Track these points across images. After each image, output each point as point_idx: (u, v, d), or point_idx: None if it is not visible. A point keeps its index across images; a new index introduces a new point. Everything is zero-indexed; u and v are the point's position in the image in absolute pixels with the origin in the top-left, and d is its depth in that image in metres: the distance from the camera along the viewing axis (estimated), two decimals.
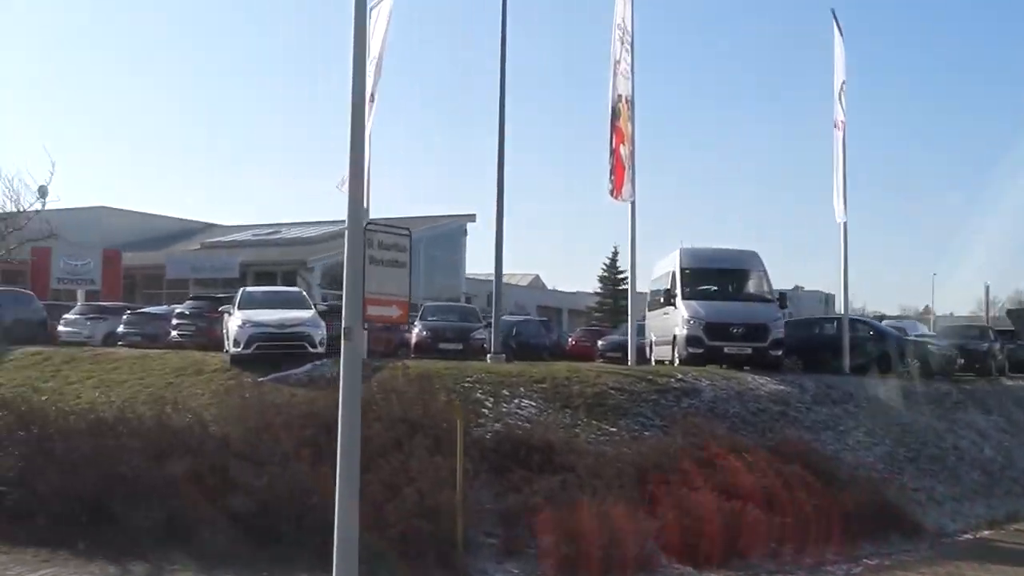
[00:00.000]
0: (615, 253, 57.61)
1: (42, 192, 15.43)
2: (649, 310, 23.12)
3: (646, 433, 14.98)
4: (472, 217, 48.82)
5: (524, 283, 66.75)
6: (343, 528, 8.29)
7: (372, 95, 18.35)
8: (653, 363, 21.23)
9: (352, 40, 8.52)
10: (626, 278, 56.27)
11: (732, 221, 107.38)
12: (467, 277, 50.60)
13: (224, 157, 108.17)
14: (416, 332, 22.08)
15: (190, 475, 12.25)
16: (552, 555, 11.58)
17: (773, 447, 14.65)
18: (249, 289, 20.80)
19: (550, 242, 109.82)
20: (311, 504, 11.50)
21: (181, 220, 54.09)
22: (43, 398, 15.25)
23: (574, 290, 68.00)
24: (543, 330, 32.09)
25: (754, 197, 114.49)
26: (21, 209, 15.49)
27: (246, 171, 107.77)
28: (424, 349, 21.39)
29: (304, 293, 21.27)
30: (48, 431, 13.27)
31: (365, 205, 19.00)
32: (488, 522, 12.24)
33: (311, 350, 17.52)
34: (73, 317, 25.51)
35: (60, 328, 24.98)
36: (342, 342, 8.21)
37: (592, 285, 62.97)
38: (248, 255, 42.47)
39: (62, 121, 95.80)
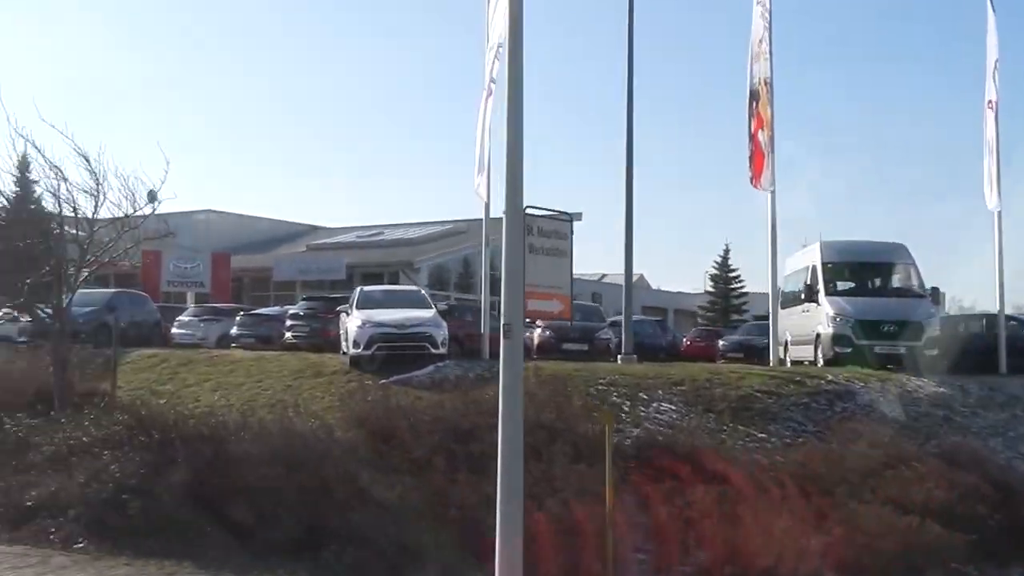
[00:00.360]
0: (727, 251, 56.18)
1: (151, 197, 14.99)
2: (783, 307, 21.78)
3: (799, 440, 13.81)
4: (579, 215, 47.78)
5: None
6: (505, 540, 7.43)
7: (492, 81, 17.47)
8: (789, 364, 19.92)
9: (508, 25, 7.70)
10: (738, 276, 55.55)
11: (832, 211, 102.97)
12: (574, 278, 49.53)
13: (326, 159, 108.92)
14: (538, 332, 21.18)
15: (317, 484, 11.56)
16: (710, 574, 10.54)
17: (942, 455, 13.30)
18: (367, 288, 20.12)
19: (653, 241, 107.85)
20: (449, 516, 10.70)
21: (285, 223, 54.18)
22: (161, 401, 14.74)
23: (676, 290, 66.67)
24: (659, 330, 31.10)
25: (854, 187, 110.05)
26: (136, 209, 15.06)
27: (349, 173, 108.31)
28: (547, 350, 20.45)
29: (423, 292, 20.53)
30: (169, 436, 12.72)
31: (482, 197, 18.49)
32: (637, 537, 11.24)
33: (433, 351, 16.76)
34: (186, 319, 25.31)
35: (174, 330, 24.78)
36: (501, 340, 7.31)
37: (693, 285, 61.58)
38: (354, 256, 42.19)
39: (175, 122, 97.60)
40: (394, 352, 16.49)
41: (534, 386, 13.98)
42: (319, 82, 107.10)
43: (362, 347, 16.54)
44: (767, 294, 21.86)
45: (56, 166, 14.92)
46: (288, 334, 21.80)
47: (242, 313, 24.84)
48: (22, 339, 20.72)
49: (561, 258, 7.73)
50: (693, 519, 11.20)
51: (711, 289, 56.48)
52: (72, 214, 15.39)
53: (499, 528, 7.43)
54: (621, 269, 22.32)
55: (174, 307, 30.55)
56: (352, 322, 17.12)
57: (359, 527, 10.75)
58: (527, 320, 24.37)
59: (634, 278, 69.45)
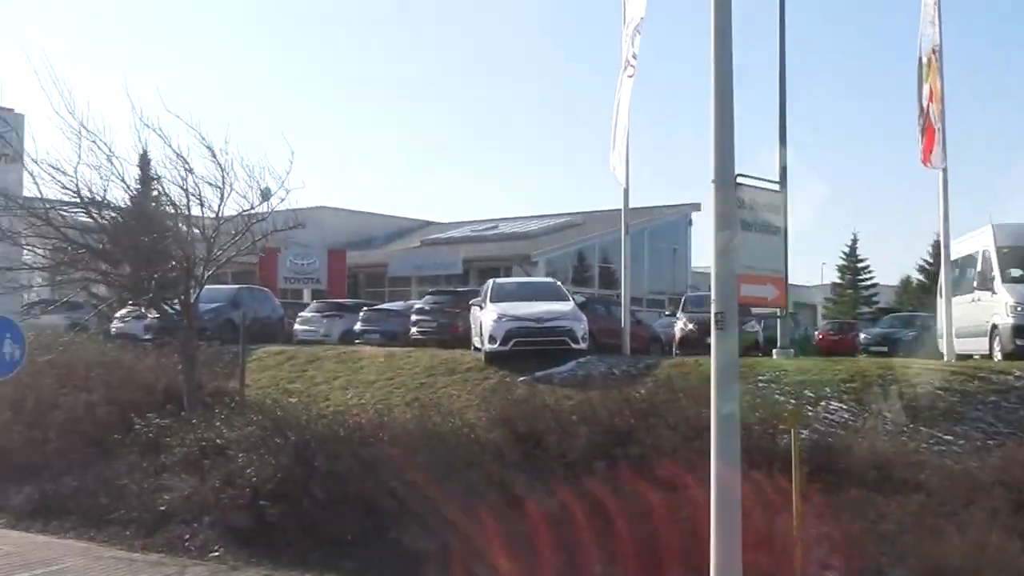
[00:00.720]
0: (854, 240, 53.76)
1: (265, 195, 14.52)
2: (943, 296, 19.98)
3: (990, 443, 12.32)
4: (697, 206, 46.28)
5: None
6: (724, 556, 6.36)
7: (633, 57, 16.46)
8: (953, 357, 18.23)
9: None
10: (867, 267, 53.24)
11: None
12: (694, 271, 48.14)
13: (437, 152, 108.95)
14: (680, 326, 19.95)
15: (466, 490, 10.65)
16: None
17: None
18: (500, 280, 19.22)
19: None
20: (616, 526, 9.65)
21: (398, 218, 53.97)
22: (292, 400, 14.05)
23: (795, 282, 64.47)
24: (792, 324, 29.45)
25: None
26: (263, 200, 14.58)
27: (462, 165, 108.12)
28: (689, 344, 19.13)
29: (559, 284, 19.49)
30: (305, 437, 11.96)
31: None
32: (824, 551, 10.02)
33: (573, 346, 15.75)
34: (309, 315, 24.79)
35: (296, 326, 24.29)
36: (712, 331, 6.21)
37: (809, 277, 59.56)
38: (469, 251, 41.56)
39: (289, 115, 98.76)
40: (532, 348, 15.52)
41: (695, 383, 12.89)
42: (426, 73, 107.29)
43: (498, 342, 15.61)
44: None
45: (182, 156, 14.42)
46: (414, 329, 21.02)
47: (365, 309, 24.15)
48: (147, 336, 20.40)
49: (775, 236, 6.58)
50: (888, 532, 9.94)
51: (838, 280, 54.15)
52: (199, 207, 14.87)
53: (714, 542, 6.38)
54: None
55: (290, 303, 30.22)
56: (487, 316, 16.19)
57: (522, 539, 9.80)
58: (665, 312, 23.25)
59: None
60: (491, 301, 16.77)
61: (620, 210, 18.40)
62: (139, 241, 14.87)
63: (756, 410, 12.49)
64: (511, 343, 15.59)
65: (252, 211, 15.13)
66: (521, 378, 14.69)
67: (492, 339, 15.69)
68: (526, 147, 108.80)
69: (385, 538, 10.46)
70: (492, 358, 15.71)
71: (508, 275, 35.27)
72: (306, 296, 36.52)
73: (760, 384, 13.69)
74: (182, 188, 14.64)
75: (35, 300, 23.43)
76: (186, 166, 14.48)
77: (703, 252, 64.83)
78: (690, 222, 46.92)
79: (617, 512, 9.67)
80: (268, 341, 20.85)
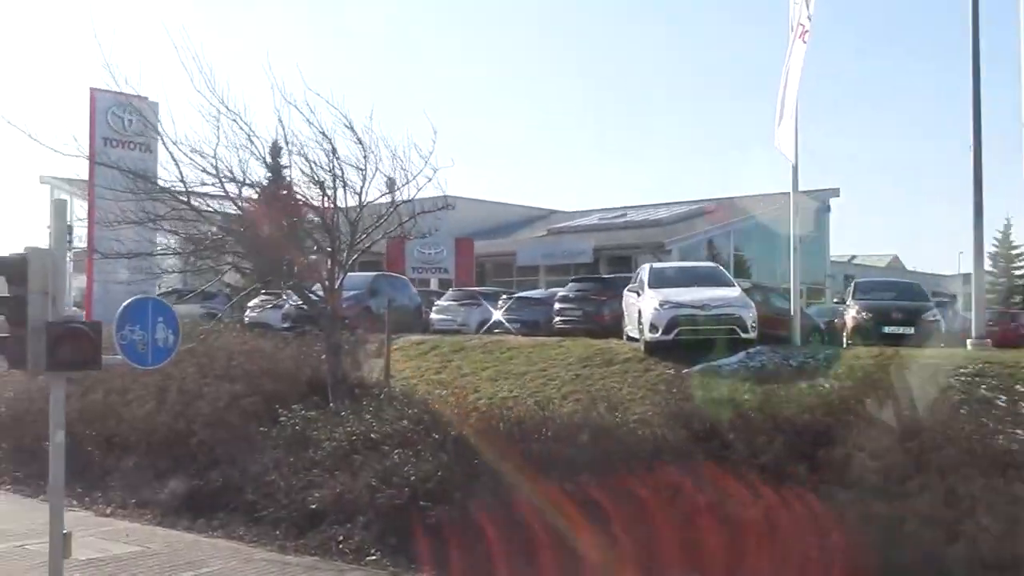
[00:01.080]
0: (1007, 225, 50.75)
1: (390, 186, 13.95)
2: None
3: None
4: (836, 191, 44.12)
5: (882, 264, 61.12)
6: None
7: (807, 19, 15.15)
8: None
9: None
10: (1023, 254, 50.10)
11: None
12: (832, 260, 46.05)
13: (562, 142, 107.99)
14: (852, 313, 18.35)
15: (651, 493, 9.59)
16: None
17: None
18: (657, 265, 17.92)
19: (908, 219, 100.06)
20: (829, 543, 8.45)
21: (523, 207, 53.15)
22: (443, 393, 13.14)
23: (932, 271, 61.59)
24: (950, 314, 27.53)
25: None
26: (409, 180, 13.88)
27: (586, 155, 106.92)
28: (863, 334, 17.45)
29: (722, 268, 18.14)
30: (463, 433, 11.07)
31: None
32: None
33: (742, 335, 14.40)
34: (445, 304, 23.94)
35: (432, 315, 23.46)
36: None
37: (949, 266, 56.92)
38: (599, 239, 40.39)
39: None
40: (698, 337, 14.26)
41: (896, 378, 11.56)
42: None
43: (660, 331, 14.36)
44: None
45: (326, 135, 13.71)
46: (557, 318, 19.93)
47: (505, 297, 23.18)
48: (285, 325, 19.81)
49: None
50: None
51: (990, 268, 51.28)
52: (342, 188, 14.19)
53: None
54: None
55: (420, 292, 29.47)
56: (646, 303, 14.96)
57: (722, 549, 8.69)
58: (834, 300, 21.53)
59: (888, 259, 64.65)
60: (650, 287, 15.53)
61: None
62: (280, 225, 14.26)
63: (964, 406, 11.14)
64: (674, 332, 14.31)
65: (396, 191, 14.43)
66: (686, 370, 13.49)
67: (653, 328, 14.46)
68: (652, 133, 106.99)
69: (561, 546, 9.45)
70: (652, 348, 14.50)
71: (639, 263, 34.03)
72: (433, 284, 35.88)
73: (963, 378, 12.18)
74: (327, 170, 13.96)
75: (168, 290, 23.14)
76: (331, 146, 13.81)
77: (841, 240, 61.84)
78: (828, 208, 44.63)
79: (837, 524, 8.45)
80: (406, 330, 20.03)
